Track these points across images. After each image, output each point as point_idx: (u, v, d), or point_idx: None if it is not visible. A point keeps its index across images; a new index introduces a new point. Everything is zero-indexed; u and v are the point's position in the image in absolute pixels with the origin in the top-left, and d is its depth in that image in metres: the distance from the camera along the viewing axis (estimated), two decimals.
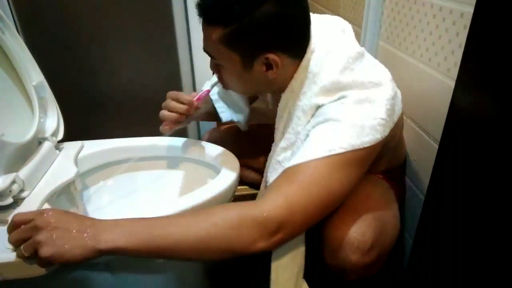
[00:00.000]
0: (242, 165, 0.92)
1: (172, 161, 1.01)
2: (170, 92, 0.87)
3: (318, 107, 0.68)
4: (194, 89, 1.22)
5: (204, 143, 0.99)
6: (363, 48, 0.75)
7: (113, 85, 1.13)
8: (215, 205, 0.70)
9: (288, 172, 0.63)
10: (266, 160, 0.88)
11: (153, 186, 1.02)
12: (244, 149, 1.05)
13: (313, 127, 0.67)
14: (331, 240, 0.68)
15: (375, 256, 0.66)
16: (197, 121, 1.06)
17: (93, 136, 1.01)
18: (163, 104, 0.86)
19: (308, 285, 0.72)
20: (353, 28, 1.12)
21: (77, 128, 1.00)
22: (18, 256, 0.56)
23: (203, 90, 0.87)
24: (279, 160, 0.78)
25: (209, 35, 0.67)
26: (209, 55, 0.72)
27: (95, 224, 0.55)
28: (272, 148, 0.85)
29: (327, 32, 0.74)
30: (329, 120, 0.65)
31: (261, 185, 0.90)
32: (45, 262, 0.54)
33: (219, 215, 0.57)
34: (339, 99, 0.66)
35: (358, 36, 1.22)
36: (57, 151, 0.92)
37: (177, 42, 1.11)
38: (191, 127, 1.24)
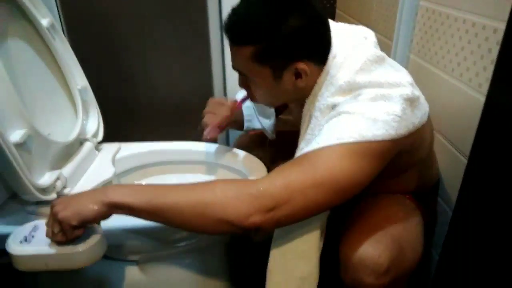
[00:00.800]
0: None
1: (203, 166, 1.05)
2: (211, 98, 0.95)
3: (334, 105, 0.69)
4: (225, 92, 1.26)
5: (234, 149, 1.02)
6: (383, 53, 0.75)
7: (149, 93, 1.19)
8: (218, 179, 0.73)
9: (295, 159, 0.64)
10: None
11: None
12: (271, 156, 1.07)
13: (327, 121, 0.67)
14: (346, 260, 0.67)
15: (391, 279, 0.65)
16: (231, 128, 1.10)
17: (129, 139, 1.07)
18: (206, 108, 0.94)
19: None
20: (384, 41, 1.12)
21: (115, 131, 1.06)
22: (53, 240, 0.64)
23: (242, 97, 0.92)
24: None
25: (239, 54, 0.70)
26: (239, 72, 0.75)
27: (104, 187, 0.65)
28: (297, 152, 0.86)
29: (349, 39, 0.76)
30: (341, 113, 0.65)
31: None
32: (67, 228, 0.61)
33: (218, 185, 0.60)
34: (354, 97, 0.66)
35: (389, 49, 1.23)
36: (97, 152, 0.98)
37: (211, 54, 1.15)
38: (221, 134, 1.28)
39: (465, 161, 0.87)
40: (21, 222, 0.74)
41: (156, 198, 0.60)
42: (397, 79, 0.68)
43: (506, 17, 0.66)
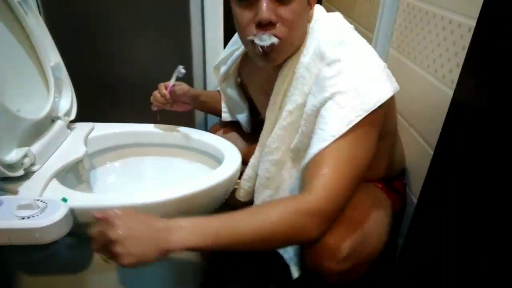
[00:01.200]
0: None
1: (178, 149, 1.04)
2: (159, 84, 0.96)
3: (323, 66, 0.70)
4: (205, 81, 1.25)
5: (210, 134, 1.02)
6: (352, 26, 0.80)
7: (126, 73, 1.17)
8: (267, 203, 0.80)
9: (318, 160, 0.65)
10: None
11: (157, 171, 1.06)
12: (244, 144, 1.07)
13: (322, 104, 0.68)
14: (310, 248, 0.69)
15: (351, 265, 0.67)
16: (204, 112, 1.10)
17: (104, 119, 1.05)
18: (153, 92, 0.97)
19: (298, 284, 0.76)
20: (366, 33, 1.14)
21: (89, 110, 1.04)
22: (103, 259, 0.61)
23: (169, 84, 0.94)
24: (285, 125, 0.79)
25: None
26: None
27: (165, 228, 0.59)
28: (267, 115, 0.86)
29: (323, 9, 0.81)
30: (335, 94, 0.67)
31: (255, 155, 0.93)
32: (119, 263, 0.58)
33: (276, 214, 0.62)
34: (335, 61, 0.69)
35: (369, 42, 1.23)
36: (69, 131, 0.97)
37: (191, 32, 1.14)
38: (199, 119, 1.27)
39: (431, 152, 0.89)
40: None
41: (219, 237, 0.59)
42: (366, 43, 0.74)
43: (467, 10, 0.67)
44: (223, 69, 1.01)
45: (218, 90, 1.10)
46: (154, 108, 0.98)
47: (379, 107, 0.66)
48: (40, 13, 1.07)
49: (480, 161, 0.63)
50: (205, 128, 1.25)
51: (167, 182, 1.04)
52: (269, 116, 0.86)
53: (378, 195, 0.84)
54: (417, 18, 1.00)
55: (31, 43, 0.89)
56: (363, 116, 0.64)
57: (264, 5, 0.67)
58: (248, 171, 0.96)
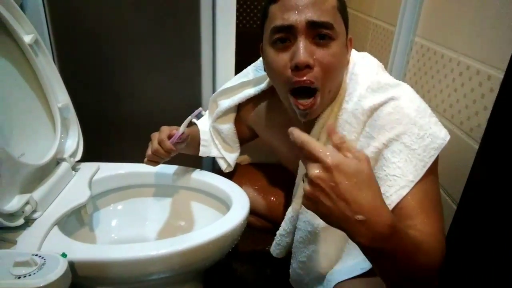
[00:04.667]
0: None
1: (184, 191, 1.01)
2: (155, 134, 0.85)
3: (372, 112, 0.67)
4: None
5: (217, 176, 0.99)
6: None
7: (134, 111, 1.16)
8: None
9: (407, 207, 0.62)
10: (267, 205, 0.92)
11: (162, 214, 1.03)
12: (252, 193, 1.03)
13: (385, 145, 0.65)
14: None
15: None
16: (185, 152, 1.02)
17: (111, 158, 1.03)
18: (153, 146, 0.84)
19: None
20: None
21: (97, 150, 1.02)
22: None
23: (178, 133, 0.83)
24: None
25: (326, 1, 0.64)
26: (325, 25, 0.63)
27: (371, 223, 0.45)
28: (298, 172, 0.82)
29: (354, 50, 0.78)
30: (401, 136, 0.64)
31: (293, 202, 0.86)
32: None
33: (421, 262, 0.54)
34: (387, 101, 0.66)
35: None
36: (73, 172, 0.94)
37: (202, 71, 1.12)
38: (207, 160, 1.24)
39: (454, 206, 0.85)
40: None
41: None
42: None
43: (501, 64, 0.64)
44: (224, 104, 0.93)
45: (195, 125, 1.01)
46: (149, 164, 0.86)
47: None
48: (52, 51, 1.07)
49: (504, 220, 0.60)
50: (212, 169, 1.22)
51: (171, 225, 1.00)
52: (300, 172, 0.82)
53: None
54: (432, 61, 0.98)
55: (40, 85, 0.88)
56: (436, 155, 0.64)
57: (301, 46, 0.62)
58: (285, 225, 0.89)
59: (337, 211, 0.44)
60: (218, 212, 0.96)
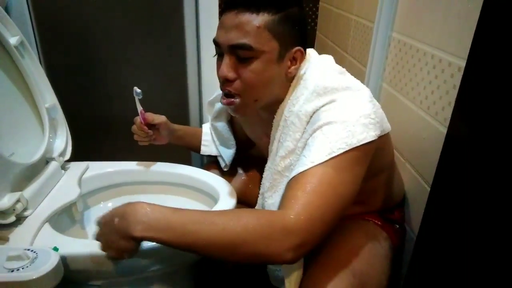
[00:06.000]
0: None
1: (173, 187, 1.04)
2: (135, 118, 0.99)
3: (313, 113, 0.72)
4: (201, 115, 1.26)
5: (205, 172, 1.02)
6: (344, 69, 0.82)
7: (122, 109, 1.17)
8: (244, 210, 0.76)
9: (298, 180, 0.64)
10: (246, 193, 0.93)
11: None
12: (239, 183, 1.07)
13: (310, 135, 0.70)
14: None
15: None
16: (181, 146, 1.10)
17: (100, 157, 1.05)
18: (132, 127, 0.99)
19: None
20: (359, 67, 1.16)
21: (84, 148, 1.04)
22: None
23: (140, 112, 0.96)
24: (279, 170, 0.80)
25: (252, 21, 0.69)
26: (242, 46, 0.70)
27: (125, 219, 0.62)
28: (268, 160, 0.87)
29: (313, 53, 0.83)
30: (323, 126, 0.68)
31: (258, 200, 0.91)
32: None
33: (250, 221, 0.59)
34: (329, 102, 0.71)
35: (362, 75, 1.25)
36: (63, 171, 0.96)
37: (187, 70, 1.15)
38: (196, 156, 1.27)
39: (427, 187, 0.89)
40: None
41: (187, 234, 0.59)
42: (360, 84, 0.76)
43: (457, 50, 0.68)
44: (217, 105, 1.04)
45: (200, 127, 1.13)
46: (141, 143, 1.00)
47: (366, 144, 0.67)
48: (38, 52, 1.09)
49: (476, 198, 0.63)
50: (201, 166, 1.25)
51: None
52: (268, 164, 0.87)
53: (378, 236, 0.84)
54: (408, 55, 1.02)
55: (27, 86, 0.90)
56: (345, 150, 0.65)
57: (224, 63, 0.73)
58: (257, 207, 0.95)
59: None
60: (206, 206, 0.99)
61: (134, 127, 0.98)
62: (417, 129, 0.96)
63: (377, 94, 1.20)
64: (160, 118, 0.98)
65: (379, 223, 0.88)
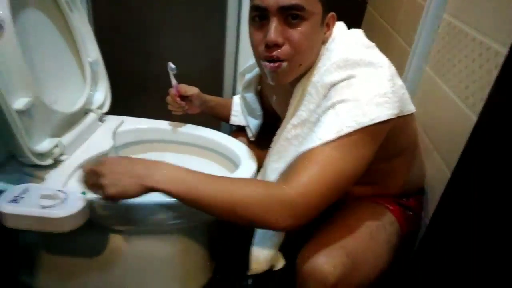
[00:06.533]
0: None
1: (199, 149, 1.08)
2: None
3: (330, 86, 0.71)
4: (234, 84, 1.27)
5: (230, 138, 1.05)
6: (374, 44, 0.79)
7: (160, 71, 1.22)
8: (250, 179, 0.81)
9: (304, 156, 0.66)
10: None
11: None
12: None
13: (324, 111, 0.70)
14: (298, 269, 0.70)
15: None
16: (212, 116, 1.14)
17: (135, 113, 1.11)
18: (166, 98, 1.05)
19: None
20: (403, 46, 1.11)
21: (122, 103, 1.10)
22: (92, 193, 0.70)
23: (174, 85, 1.02)
24: (288, 138, 0.81)
25: None
26: (295, 6, 0.69)
27: (147, 166, 0.66)
28: (281, 125, 0.88)
29: (343, 25, 0.82)
30: (336, 104, 0.68)
31: (265, 161, 0.93)
32: (110, 199, 0.67)
33: (253, 190, 0.64)
34: (347, 78, 0.69)
35: (406, 56, 1.20)
36: (100, 123, 1.03)
37: (226, 39, 1.16)
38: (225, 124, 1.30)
39: (449, 176, 0.86)
40: (17, 181, 0.81)
41: (194, 190, 0.64)
42: (385, 61, 0.73)
43: (508, 40, 0.63)
44: (247, 76, 1.05)
45: (231, 97, 1.15)
46: (175, 113, 1.06)
47: (379, 124, 0.66)
48: (88, 9, 1.14)
49: (495, 189, 0.61)
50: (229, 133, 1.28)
51: None
52: (280, 129, 0.88)
53: (384, 220, 0.83)
54: (456, 40, 0.95)
55: (74, 40, 0.96)
56: (355, 128, 0.64)
57: (272, 27, 0.70)
58: (258, 177, 0.98)
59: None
60: (227, 171, 1.03)
61: (168, 98, 1.03)
62: (452, 119, 0.92)
63: (419, 77, 1.15)
64: (192, 90, 1.02)
65: (390, 207, 0.87)
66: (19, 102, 0.75)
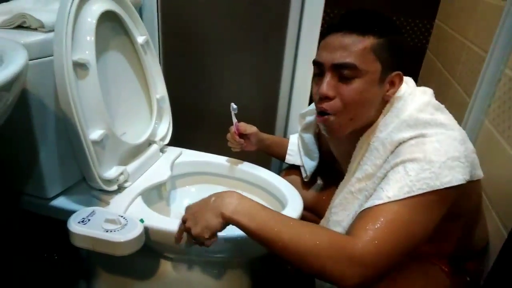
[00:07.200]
0: None
1: (249, 186, 1.12)
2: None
3: (399, 144, 0.71)
4: (286, 124, 1.32)
5: (278, 177, 1.08)
6: (443, 106, 0.79)
7: (218, 107, 1.30)
8: (323, 227, 0.78)
9: (372, 213, 0.65)
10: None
11: None
12: (311, 194, 1.11)
13: (392, 168, 0.69)
14: None
15: None
16: (267, 154, 1.18)
17: (193, 145, 1.19)
18: (227, 136, 1.11)
19: None
20: (463, 96, 1.10)
21: (181, 136, 1.19)
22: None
23: (235, 123, 1.07)
24: (352, 191, 0.81)
25: (358, 43, 0.73)
26: (347, 65, 0.73)
27: (219, 196, 0.70)
28: (344, 178, 0.89)
29: (412, 83, 0.83)
30: (406, 162, 0.67)
31: (326, 212, 0.94)
32: (198, 239, 0.72)
33: (324, 240, 0.62)
34: (418, 136, 0.69)
35: (465, 107, 1.17)
36: (161, 153, 1.12)
37: (281, 80, 1.22)
38: (276, 161, 1.34)
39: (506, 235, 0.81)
40: (85, 202, 0.91)
41: (266, 227, 0.64)
42: (455, 124, 0.73)
43: None
44: (308, 118, 1.10)
45: (288, 137, 1.19)
46: (234, 150, 1.11)
47: (450, 188, 0.64)
48: (159, 50, 1.27)
49: None
50: (278, 172, 1.32)
51: None
52: (343, 181, 0.89)
53: (439, 283, 0.80)
54: None
55: (145, 78, 1.06)
56: (426, 191, 0.63)
57: (325, 81, 0.75)
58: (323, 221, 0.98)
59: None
60: (274, 209, 1.05)
61: (228, 135, 1.09)
62: (510, 176, 0.88)
63: (477, 130, 1.11)
64: (251, 129, 1.08)
65: (446, 269, 0.83)
66: (95, 134, 0.85)
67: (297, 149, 1.14)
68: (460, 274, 0.85)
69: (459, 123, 1.15)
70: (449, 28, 1.53)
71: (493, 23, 1.05)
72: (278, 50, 1.17)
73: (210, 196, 0.72)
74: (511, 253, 0.67)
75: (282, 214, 0.68)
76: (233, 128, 1.07)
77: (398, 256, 0.62)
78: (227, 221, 0.68)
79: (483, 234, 0.91)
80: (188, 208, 0.75)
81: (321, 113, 0.78)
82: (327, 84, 0.75)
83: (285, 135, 1.35)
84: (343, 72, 0.73)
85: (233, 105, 1.03)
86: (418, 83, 1.57)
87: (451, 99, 1.36)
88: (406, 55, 0.80)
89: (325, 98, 0.75)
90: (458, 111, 1.17)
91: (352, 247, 0.61)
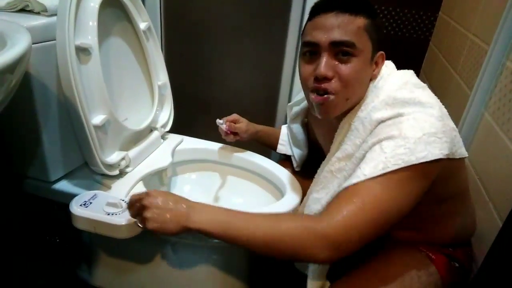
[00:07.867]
0: None
1: (249, 174, 1.14)
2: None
3: (378, 123, 0.72)
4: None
5: (278, 166, 1.09)
6: (425, 85, 0.79)
7: (219, 95, 1.31)
8: (285, 214, 0.83)
9: (348, 191, 0.66)
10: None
11: (226, 189, 1.17)
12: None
13: (370, 147, 0.70)
14: None
15: None
16: (260, 144, 1.19)
17: (194, 132, 1.20)
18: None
19: None
20: (464, 89, 1.10)
21: (182, 123, 1.20)
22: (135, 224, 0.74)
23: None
24: (332, 170, 0.83)
25: (352, 23, 0.73)
26: (346, 43, 0.73)
27: (188, 207, 0.68)
28: (326, 158, 0.90)
29: (394, 67, 0.84)
30: (383, 140, 0.68)
31: (308, 190, 0.95)
32: (149, 231, 0.70)
33: (288, 224, 0.65)
34: (395, 116, 0.70)
35: (466, 99, 1.17)
36: (162, 140, 1.13)
37: (283, 71, 1.22)
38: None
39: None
40: (87, 186, 0.92)
41: (231, 229, 0.66)
42: (435, 102, 0.73)
43: None
44: (295, 108, 1.10)
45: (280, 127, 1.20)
46: (228, 140, 1.12)
47: (427, 163, 0.65)
48: (161, 37, 1.27)
49: None
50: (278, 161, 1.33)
51: (232, 199, 1.14)
52: (324, 161, 0.90)
53: (421, 270, 0.80)
54: None
55: (147, 65, 1.07)
56: (401, 166, 0.64)
57: (323, 61, 0.74)
58: (300, 209, 1.00)
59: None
60: (272, 197, 1.07)
61: (220, 131, 1.10)
62: (509, 171, 0.89)
63: (477, 122, 1.12)
64: (240, 128, 1.08)
65: (433, 256, 0.83)
66: (97, 119, 0.86)
67: (287, 139, 1.15)
68: (448, 261, 0.85)
69: (460, 115, 1.15)
70: (452, 21, 1.52)
71: (496, 16, 1.05)
72: (280, 38, 1.18)
73: (178, 201, 0.69)
74: (504, 244, 0.68)
75: (248, 213, 0.68)
76: (224, 128, 1.07)
77: (369, 232, 0.63)
78: (185, 231, 0.67)
79: (471, 222, 0.92)
80: (151, 195, 0.69)
81: (319, 92, 0.77)
82: (325, 64, 0.73)
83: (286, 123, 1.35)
84: (342, 51, 0.73)
85: (219, 120, 1.06)
86: (420, 75, 1.57)
87: (453, 92, 1.36)
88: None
89: (324, 78, 0.74)
90: (459, 103, 1.17)
91: (319, 225, 0.63)
